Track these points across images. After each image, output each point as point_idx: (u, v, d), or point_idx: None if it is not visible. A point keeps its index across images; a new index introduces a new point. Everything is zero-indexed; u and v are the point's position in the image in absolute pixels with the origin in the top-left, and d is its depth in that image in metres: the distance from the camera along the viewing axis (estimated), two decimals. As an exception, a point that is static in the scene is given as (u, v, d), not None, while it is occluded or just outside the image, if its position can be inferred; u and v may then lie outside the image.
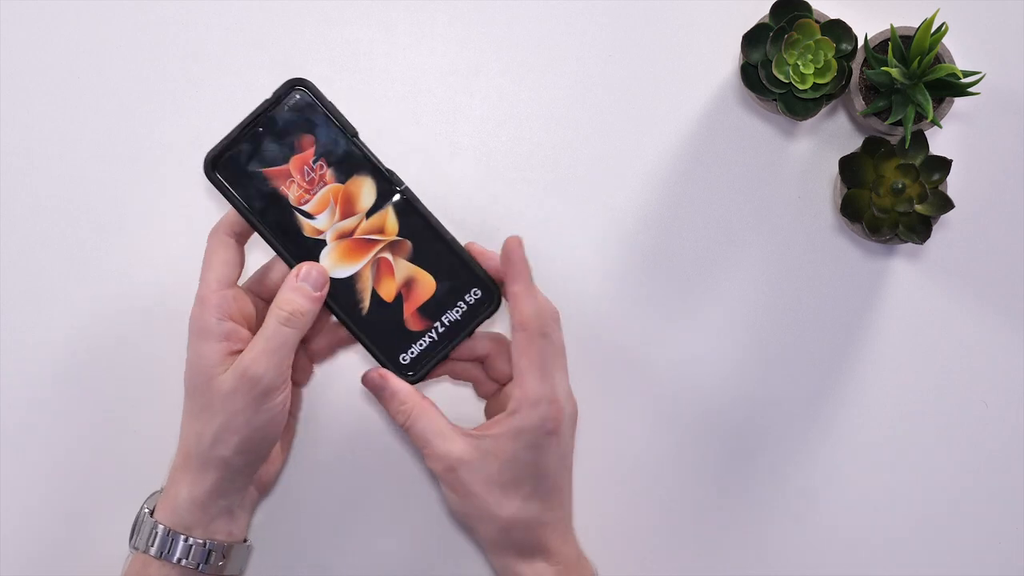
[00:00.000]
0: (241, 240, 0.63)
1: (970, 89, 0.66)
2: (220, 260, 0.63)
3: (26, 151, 0.70)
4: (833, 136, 0.73)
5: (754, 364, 0.72)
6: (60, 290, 0.70)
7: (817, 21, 0.67)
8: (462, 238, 0.66)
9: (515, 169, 0.73)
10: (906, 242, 0.68)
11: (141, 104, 0.71)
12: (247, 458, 0.63)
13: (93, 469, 0.69)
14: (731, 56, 0.72)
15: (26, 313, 0.69)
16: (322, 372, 0.70)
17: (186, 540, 0.62)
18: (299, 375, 0.67)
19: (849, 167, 0.68)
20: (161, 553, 0.62)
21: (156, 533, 0.62)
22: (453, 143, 0.73)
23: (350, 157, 0.64)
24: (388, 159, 0.66)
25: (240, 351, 0.62)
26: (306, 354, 0.67)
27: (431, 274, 0.64)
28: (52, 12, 0.70)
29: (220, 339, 0.62)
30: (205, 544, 0.63)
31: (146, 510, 0.64)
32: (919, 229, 0.68)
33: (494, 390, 0.67)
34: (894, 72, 0.65)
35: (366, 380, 0.65)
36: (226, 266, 0.63)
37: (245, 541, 0.66)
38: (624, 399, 0.72)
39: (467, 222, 0.72)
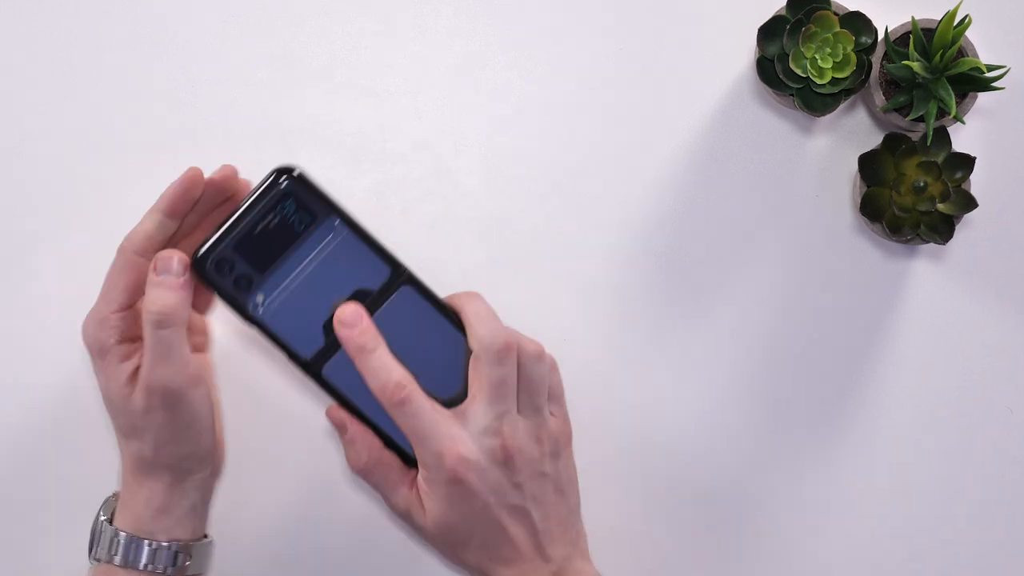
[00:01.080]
0: (148, 259, 0.61)
1: (994, 84, 0.65)
2: (125, 283, 0.61)
3: (20, 149, 0.70)
4: (852, 132, 0.72)
5: (771, 366, 0.71)
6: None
7: (836, 13, 0.66)
8: (468, 237, 0.68)
9: (522, 166, 0.72)
10: (928, 242, 0.67)
11: (134, 99, 0.71)
12: (193, 457, 0.62)
13: (35, 485, 0.69)
14: (747, 49, 0.71)
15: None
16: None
17: (150, 545, 0.61)
18: (196, 339, 0.66)
19: (869, 164, 0.68)
20: (126, 561, 0.61)
21: (118, 541, 0.61)
22: (458, 139, 0.72)
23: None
24: (390, 156, 0.68)
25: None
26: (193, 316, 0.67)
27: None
28: (47, 5, 0.70)
29: (121, 359, 0.60)
30: (170, 546, 0.61)
31: (103, 518, 0.63)
32: (941, 229, 0.67)
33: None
34: (915, 66, 0.64)
35: (330, 415, 0.63)
36: (128, 292, 0.61)
37: (206, 537, 0.65)
38: (635, 401, 0.71)
39: (472, 221, 0.71)
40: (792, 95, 0.67)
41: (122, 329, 0.60)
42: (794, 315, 0.71)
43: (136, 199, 0.64)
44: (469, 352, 0.61)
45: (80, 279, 0.66)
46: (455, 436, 0.59)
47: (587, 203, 0.71)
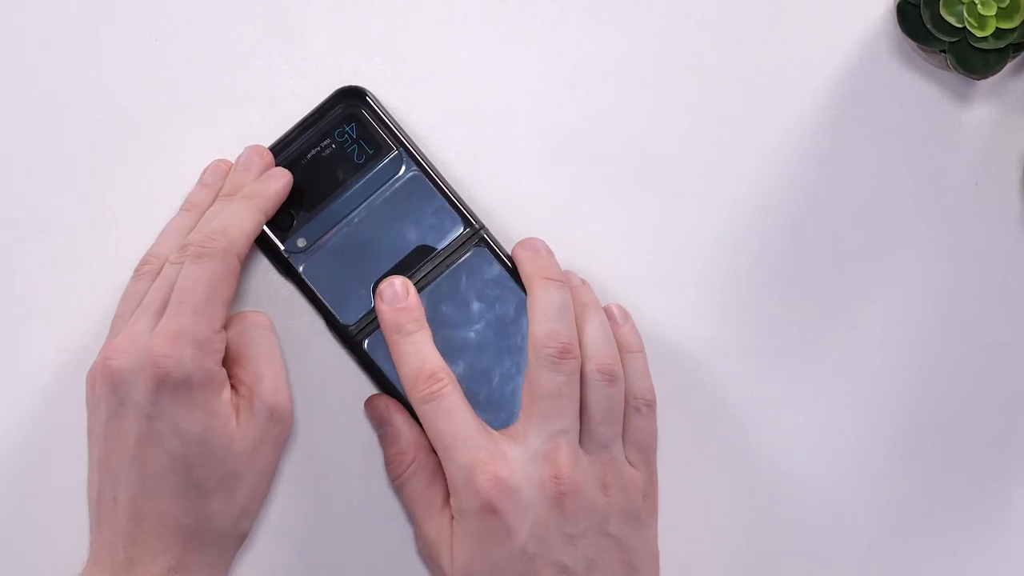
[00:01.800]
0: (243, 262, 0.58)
1: None
2: (229, 295, 0.56)
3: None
4: (1022, 101, 0.67)
5: (918, 399, 0.65)
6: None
7: (1003, -58, 0.61)
8: (513, 236, 0.62)
9: (585, 145, 0.65)
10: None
11: (130, 81, 0.65)
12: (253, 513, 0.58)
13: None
14: (884, -8, 0.67)
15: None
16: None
17: None
18: None
19: (1047, 143, 0.63)
20: None
21: None
22: (503, 111, 0.65)
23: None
24: (419, 129, 0.63)
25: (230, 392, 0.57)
26: None
27: None
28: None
29: (224, 387, 0.56)
30: None
31: None
32: None
33: None
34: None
35: (369, 407, 0.60)
36: (229, 305, 0.57)
37: None
38: (732, 444, 0.65)
39: (519, 215, 0.64)
40: (943, 51, 0.63)
41: (221, 351, 0.56)
42: (945, 336, 0.66)
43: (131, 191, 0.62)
44: None
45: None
46: (493, 451, 0.55)
47: (669, 193, 0.66)
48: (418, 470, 0.58)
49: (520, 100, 0.66)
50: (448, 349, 0.58)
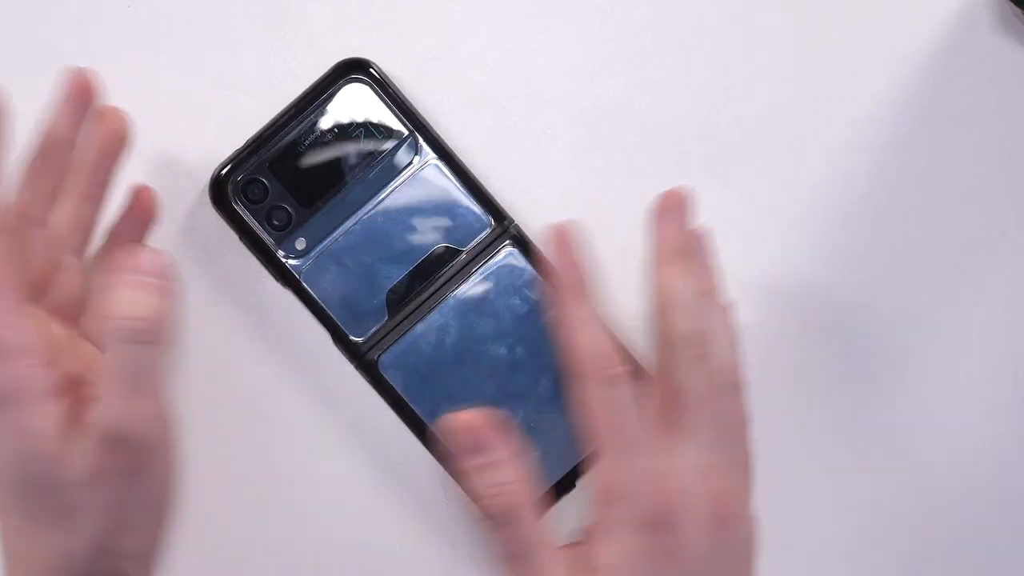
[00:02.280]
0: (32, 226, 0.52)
1: None
2: (19, 269, 0.50)
3: None
4: None
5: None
6: None
7: None
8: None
9: (632, 131, 0.61)
10: None
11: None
12: (145, 557, 0.52)
13: None
14: (984, -50, 0.62)
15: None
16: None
17: None
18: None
19: None
20: None
21: None
22: (534, 91, 0.61)
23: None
24: (437, 114, 0.59)
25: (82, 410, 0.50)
26: None
27: None
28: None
29: (46, 398, 0.48)
30: None
31: None
32: None
33: None
34: None
35: (463, 425, 0.51)
36: (28, 283, 0.50)
37: None
38: (831, 477, 0.61)
39: (552, 212, 0.58)
40: None
41: (39, 351, 0.50)
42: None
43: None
44: None
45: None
46: (667, 460, 0.51)
47: (734, 187, 0.61)
48: (528, 505, 0.52)
49: (552, 79, 0.61)
50: (478, 367, 0.54)
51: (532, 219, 0.58)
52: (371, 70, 0.55)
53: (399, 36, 0.60)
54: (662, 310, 0.52)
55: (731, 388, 0.53)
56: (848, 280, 0.61)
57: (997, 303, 0.62)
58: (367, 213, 0.55)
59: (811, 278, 0.61)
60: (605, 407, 0.50)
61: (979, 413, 0.61)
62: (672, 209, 0.54)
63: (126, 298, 0.48)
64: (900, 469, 0.61)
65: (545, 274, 0.55)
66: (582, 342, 0.51)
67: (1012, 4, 0.58)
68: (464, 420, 0.51)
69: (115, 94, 0.60)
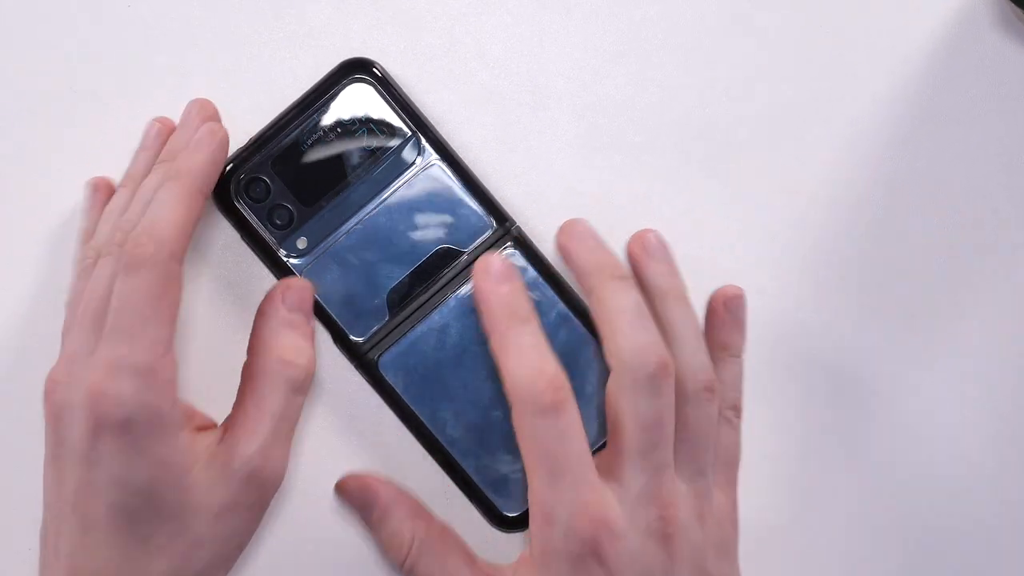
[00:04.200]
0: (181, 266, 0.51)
1: None
2: (171, 310, 0.49)
3: None
4: None
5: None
6: None
7: None
8: (550, 237, 0.57)
9: (637, 130, 0.60)
10: None
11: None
12: None
13: None
14: (983, -51, 0.61)
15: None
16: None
17: None
18: None
19: None
20: None
21: None
22: (537, 88, 0.60)
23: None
24: (439, 111, 0.59)
25: (204, 427, 0.51)
26: None
27: None
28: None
29: (193, 429, 0.50)
30: None
31: None
32: None
33: None
34: None
35: (344, 490, 0.55)
36: (174, 322, 0.50)
37: None
38: (828, 483, 0.61)
39: (557, 212, 0.58)
40: None
41: (176, 383, 0.50)
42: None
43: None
44: (604, 368, 0.53)
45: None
46: (602, 490, 0.50)
47: (735, 187, 0.61)
48: (425, 545, 0.53)
49: (557, 76, 0.61)
50: (478, 368, 0.54)
51: (533, 217, 0.58)
52: (374, 70, 0.54)
53: (401, 34, 0.60)
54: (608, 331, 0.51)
55: (694, 399, 0.52)
56: (846, 279, 0.61)
57: (996, 303, 0.62)
58: (369, 213, 0.54)
59: (810, 277, 0.61)
60: (539, 436, 0.50)
61: (979, 414, 0.61)
62: (585, 234, 0.53)
63: (290, 343, 0.51)
64: (897, 471, 0.61)
65: (545, 274, 0.55)
66: (517, 369, 0.50)
67: (1012, 4, 0.57)
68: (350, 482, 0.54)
69: (115, 94, 0.60)
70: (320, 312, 0.54)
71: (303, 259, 0.54)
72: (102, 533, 0.49)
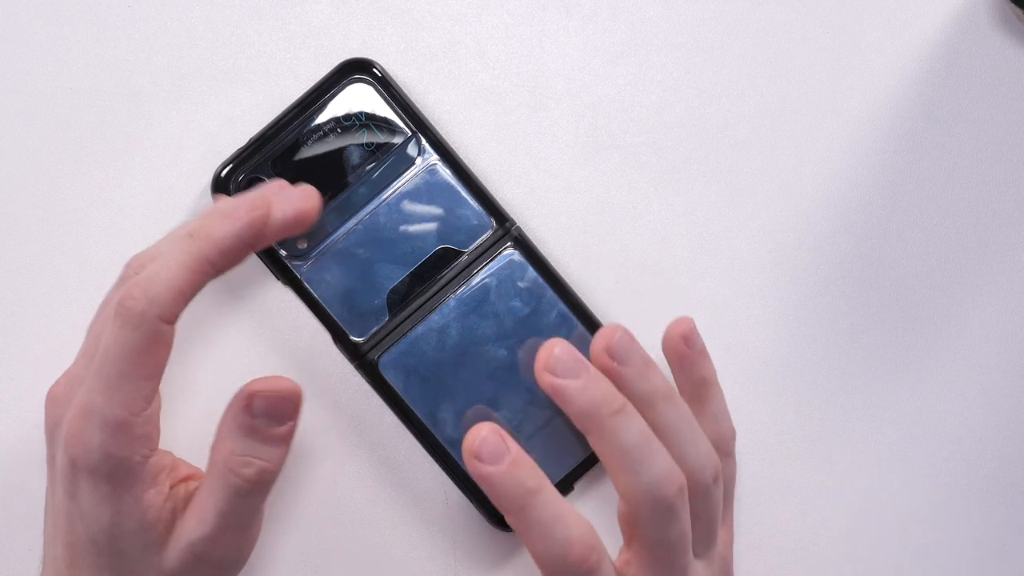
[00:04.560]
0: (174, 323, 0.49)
1: None
2: (151, 367, 0.48)
3: None
4: None
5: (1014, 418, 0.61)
6: None
7: None
8: (549, 236, 0.58)
9: (637, 130, 0.60)
10: None
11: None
12: None
13: None
14: (983, -50, 0.61)
15: None
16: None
17: None
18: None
19: None
20: None
21: None
22: (538, 88, 0.60)
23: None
24: (439, 111, 0.59)
25: (187, 479, 0.51)
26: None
27: None
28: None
29: (151, 483, 0.49)
30: None
31: None
32: None
33: None
34: None
35: (474, 451, 0.48)
36: (156, 379, 0.48)
37: None
38: (819, 489, 0.60)
39: (556, 212, 0.59)
40: None
41: (152, 438, 0.49)
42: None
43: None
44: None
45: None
46: None
47: (734, 189, 0.61)
48: (603, 552, 0.50)
49: (557, 76, 0.61)
50: (478, 369, 0.53)
51: (533, 217, 0.58)
52: (374, 70, 0.54)
53: (401, 34, 0.60)
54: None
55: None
56: (847, 279, 0.61)
57: (996, 302, 0.61)
58: (369, 213, 0.54)
59: (811, 276, 0.61)
60: None
61: (978, 412, 0.61)
62: (566, 365, 0.50)
63: (241, 449, 0.49)
64: (899, 468, 0.61)
65: (547, 276, 0.55)
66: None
67: (1012, 4, 0.57)
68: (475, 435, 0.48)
69: (116, 94, 0.60)
70: (321, 312, 0.53)
71: (303, 259, 0.53)
72: (83, 553, 0.49)
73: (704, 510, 0.50)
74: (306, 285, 0.53)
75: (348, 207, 0.53)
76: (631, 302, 0.60)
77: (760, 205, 0.60)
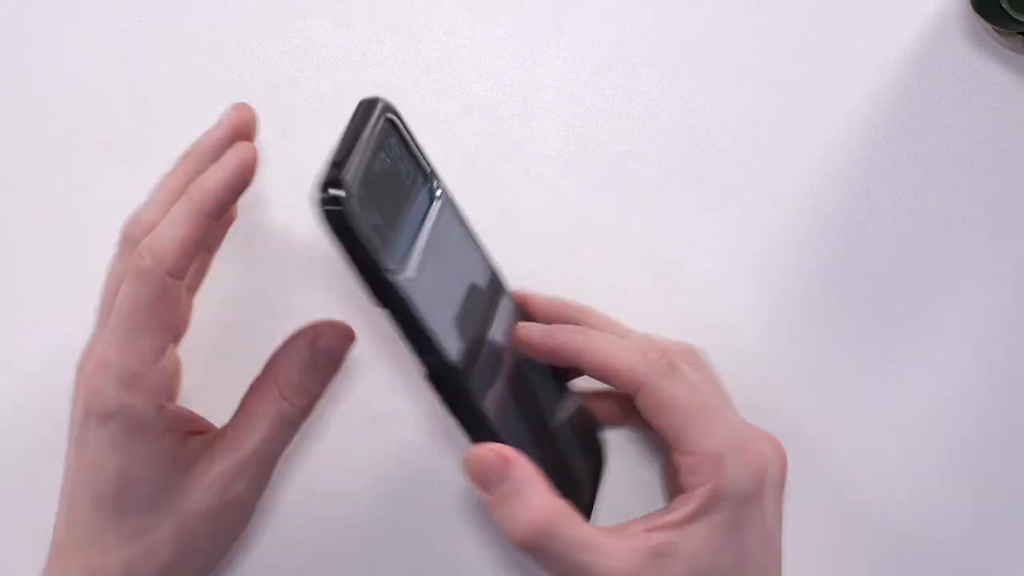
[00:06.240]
0: (183, 279, 0.50)
1: None
2: (162, 320, 0.49)
3: None
4: None
5: (999, 426, 0.61)
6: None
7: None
8: (540, 243, 0.58)
9: (624, 139, 0.62)
10: None
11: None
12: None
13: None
14: (955, -31, 0.63)
15: None
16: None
17: None
18: (181, 326, 0.56)
19: None
20: None
21: None
22: (529, 99, 0.62)
23: None
24: (434, 121, 0.59)
25: (199, 431, 0.52)
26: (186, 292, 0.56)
27: None
28: None
29: (165, 433, 0.50)
30: None
31: None
32: None
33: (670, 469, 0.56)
34: None
35: (471, 461, 0.49)
36: (169, 331, 0.50)
37: None
38: (802, 486, 0.58)
39: (547, 218, 0.60)
40: (1022, 33, 0.60)
41: (167, 389, 0.50)
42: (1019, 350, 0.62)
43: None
44: (598, 438, 0.55)
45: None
46: (749, 431, 0.53)
47: (717, 196, 0.62)
48: (561, 520, 0.49)
49: (548, 87, 0.62)
50: (521, 408, 0.51)
51: (523, 221, 0.59)
52: (383, 104, 0.47)
53: (398, 46, 0.61)
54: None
55: None
56: (826, 282, 0.62)
57: (969, 305, 0.62)
58: (425, 239, 0.49)
59: (792, 278, 0.62)
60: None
61: (950, 409, 0.61)
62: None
63: (297, 379, 0.51)
64: (874, 470, 0.61)
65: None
66: (618, 363, 0.50)
67: (981, 19, 0.59)
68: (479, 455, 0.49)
69: (119, 99, 0.61)
70: (419, 327, 0.47)
71: (402, 274, 0.46)
72: (82, 511, 0.50)
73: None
74: (410, 299, 0.46)
75: (411, 229, 0.49)
76: (618, 307, 0.59)
77: (743, 211, 0.61)
